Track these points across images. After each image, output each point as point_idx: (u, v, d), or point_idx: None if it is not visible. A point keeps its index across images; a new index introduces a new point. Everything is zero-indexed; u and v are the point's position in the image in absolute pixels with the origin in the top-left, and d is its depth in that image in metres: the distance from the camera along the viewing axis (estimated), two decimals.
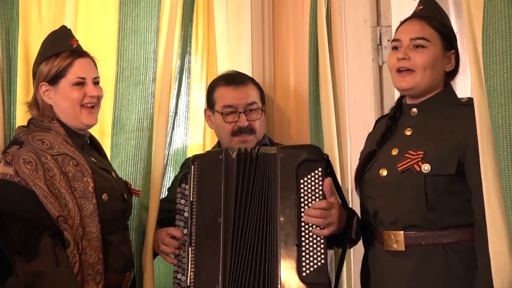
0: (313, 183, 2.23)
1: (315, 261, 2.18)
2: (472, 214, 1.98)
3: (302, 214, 2.21)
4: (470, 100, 2.05)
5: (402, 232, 2.05)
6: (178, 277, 2.29)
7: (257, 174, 2.28)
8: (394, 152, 2.11)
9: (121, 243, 2.27)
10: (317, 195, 2.22)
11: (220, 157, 2.30)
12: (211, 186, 2.29)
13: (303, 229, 2.21)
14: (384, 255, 2.10)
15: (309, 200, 2.22)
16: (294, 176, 2.24)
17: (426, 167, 2.01)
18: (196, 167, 2.32)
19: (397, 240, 2.06)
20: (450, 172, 1.99)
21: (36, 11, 2.49)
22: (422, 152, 2.04)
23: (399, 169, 2.05)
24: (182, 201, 2.34)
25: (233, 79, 2.58)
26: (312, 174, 2.24)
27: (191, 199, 2.30)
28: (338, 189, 2.33)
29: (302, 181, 2.24)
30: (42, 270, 2.05)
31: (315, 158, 2.25)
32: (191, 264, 2.25)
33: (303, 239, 2.20)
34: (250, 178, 2.27)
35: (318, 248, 2.19)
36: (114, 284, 2.23)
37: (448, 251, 2.00)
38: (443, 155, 2.01)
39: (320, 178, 2.23)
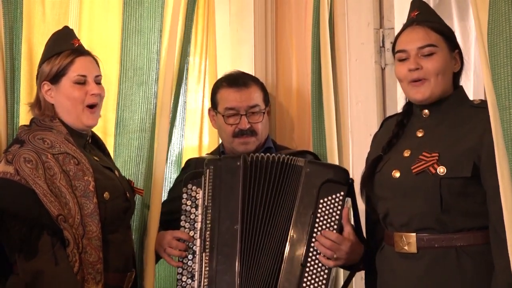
0: (332, 205, 2.21)
1: (316, 285, 2.17)
2: (486, 217, 1.97)
3: (314, 235, 2.19)
4: (482, 102, 2.05)
5: (415, 234, 2.04)
6: (184, 280, 2.28)
7: (281, 183, 2.27)
8: (406, 153, 2.09)
9: (123, 242, 2.27)
10: (333, 218, 2.20)
11: (238, 163, 2.30)
12: (227, 192, 2.28)
13: (311, 249, 2.19)
14: (394, 257, 2.09)
15: (324, 222, 2.20)
16: (315, 194, 2.22)
17: (441, 170, 1.99)
18: (212, 172, 2.31)
19: (409, 242, 2.04)
20: (466, 175, 1.97)
21: (40, 10, 2.49)
22: (437, 154, 2.02)
23: (413, 171, 2.03)
24: (189, 202, 2.32)
25: (236, 81, 2.58)
26: (333, 196, 2.21)
27: (206, 204, 2.29)
28: (355, 214, 2.30)
29: (321, 201, 2.21)
30: (42, 269, 2.05)
31: (339, 181, 2.23)
32: (205, 270, 2.24)
33: (309, 259, 2.19)
34: (271, 186, 2.27)
35: (322, 273, 2.17)
36: (115, 283, 2.22)
37: (460, 254, 1.99)
38: (458, 157, 2.00)
39: (340, 203, 2.20)
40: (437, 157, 2.02)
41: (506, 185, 1.78)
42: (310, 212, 2.21)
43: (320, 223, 2.20)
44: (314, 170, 2.25)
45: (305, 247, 2.19)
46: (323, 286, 2.16)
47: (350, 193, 2.25)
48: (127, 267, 2.28)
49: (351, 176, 2.30)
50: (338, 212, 2.20)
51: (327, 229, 2.19)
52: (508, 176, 1.78)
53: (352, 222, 2.29)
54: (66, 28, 2.34)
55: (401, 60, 2.10)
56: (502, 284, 1.86)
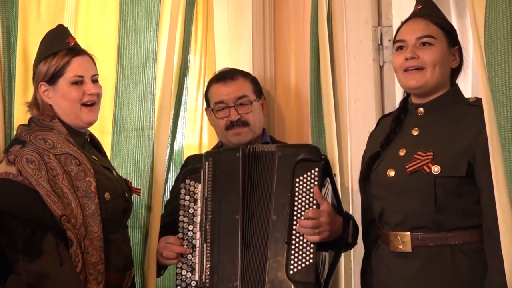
0: (308, 182, 2.25)
1: (303, 260, 2.20)
2: (480, 216, 1.97)
3: (295, 212, 2.23)
4: (478, 100, 2.04)
5: (409, 233, 2.04)
6: (183, 274, 2.31)
7: (259, 172, 2.32)
8: (402, 152, 2.09)
9: (122, 242, 2.28)
10: (311, 194, 2.24)
11: (237, 154, 2.34)
12: (227, 183, 2.32)
13: (294, 227, 2.23)
14: (390, 256, 2.10)
15: (303, 199, 2.24)
16: (290, 174, 2.27)
17: (436, 169, 2.00)
18: (211, 164, 2.35)
19: (404, 241, 2.05)
20: (460, 174, 1.98)
21: (36, 9, 2.48)
22: (431, 153, 2.02)
23: (408, 170, 2.04)
24: (187, 197, 2.36)
25: (224, 75, 2.62)
26: (309, 173, 2.26)
27: (206, 195, 2.33)
28: (335, 191, 2.34)
29: (297, 179, 2.26)
30: (46, 269, 2.05)
31: (312, 158, 2.28)
32: (206, 261, 2.27)
33: (293, 237, 2.22)
34: (255, 175, 2.32)
35: (308, 248, 2.21)
36: (115, 283, 2.22)
37: (455, 253, 1.99)
38: (453, 156, 2.00)
39: (316, 178, 2.25)
40: (431, 156, 2.02)
41: (500, 183, 1.79)
42: (288, 192, 2.25)
43: (299, 201, 2.25)
44: (286, 152, 2.31)
45: (287, 226, 2.23)
46: (311, 261, 2.19)
47: (326, 170, 2.29)
48: (126, 266, 2.28)
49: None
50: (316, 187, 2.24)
51: (306, 205, 2.24)
52: (502, 175, 1.78)
53: (330, 200, 2.31)
54: (60, 27, 2.33)
55: (399, 50, 2.12)
56: (497, 285, 1.85)
